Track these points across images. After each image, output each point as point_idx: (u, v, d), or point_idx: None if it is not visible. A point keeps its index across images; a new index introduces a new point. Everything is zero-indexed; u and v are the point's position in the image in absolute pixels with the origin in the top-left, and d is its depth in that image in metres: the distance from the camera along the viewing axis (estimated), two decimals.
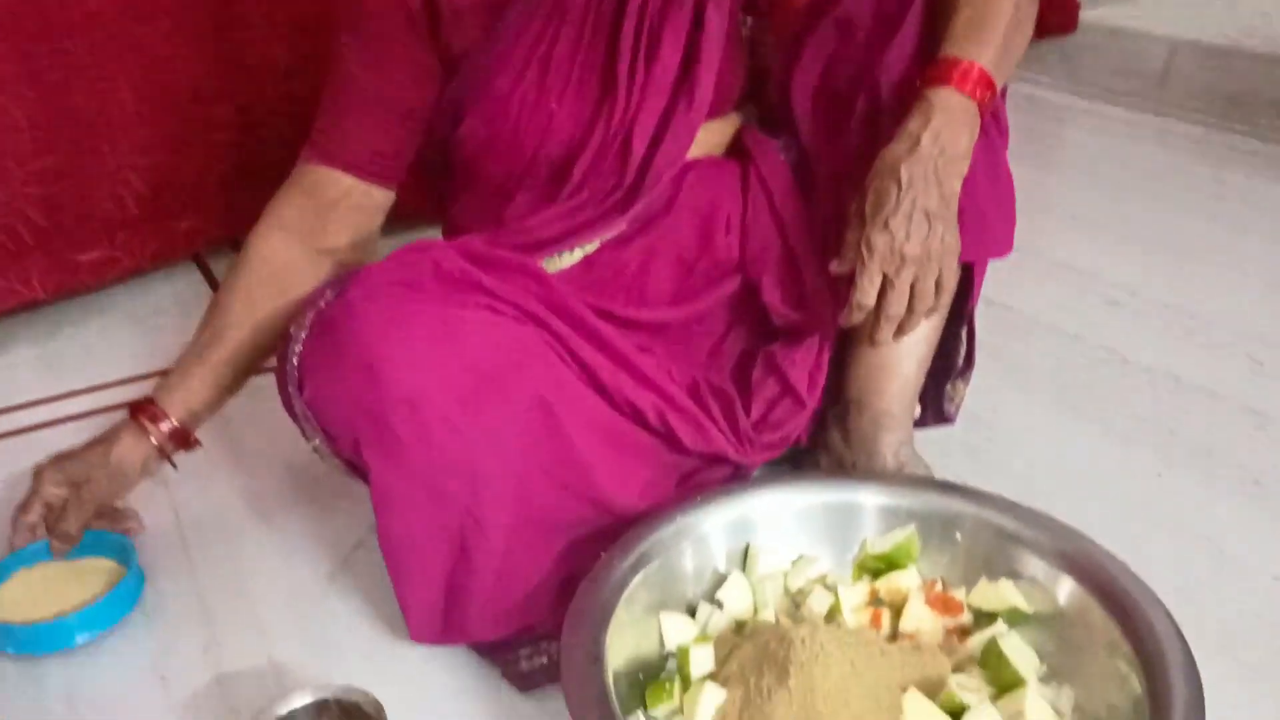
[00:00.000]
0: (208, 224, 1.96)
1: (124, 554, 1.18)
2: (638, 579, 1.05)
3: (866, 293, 1.05)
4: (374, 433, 0.99)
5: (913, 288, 1.05)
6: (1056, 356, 1.68)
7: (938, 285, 1.04)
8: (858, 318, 1.08)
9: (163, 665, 1.12)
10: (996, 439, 1.45)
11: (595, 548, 1.07)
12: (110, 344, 1.81)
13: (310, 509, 1.34)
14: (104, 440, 1.17)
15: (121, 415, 1.19)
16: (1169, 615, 0.96)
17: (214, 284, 1.94)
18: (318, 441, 1.08)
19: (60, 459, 1.17)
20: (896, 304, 1.06)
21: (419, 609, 1.04)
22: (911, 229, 1.00)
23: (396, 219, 1.28)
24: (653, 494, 1.15)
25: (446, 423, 0.98)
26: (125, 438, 1.16)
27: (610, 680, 0.92)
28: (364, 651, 1.12)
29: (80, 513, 1.13)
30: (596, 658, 0.94)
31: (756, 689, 0.94)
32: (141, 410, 1.17)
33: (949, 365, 1.25)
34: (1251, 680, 1.08)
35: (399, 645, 1.10)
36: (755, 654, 0.98)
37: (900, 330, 1.09)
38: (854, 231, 1.04)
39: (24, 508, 1.16)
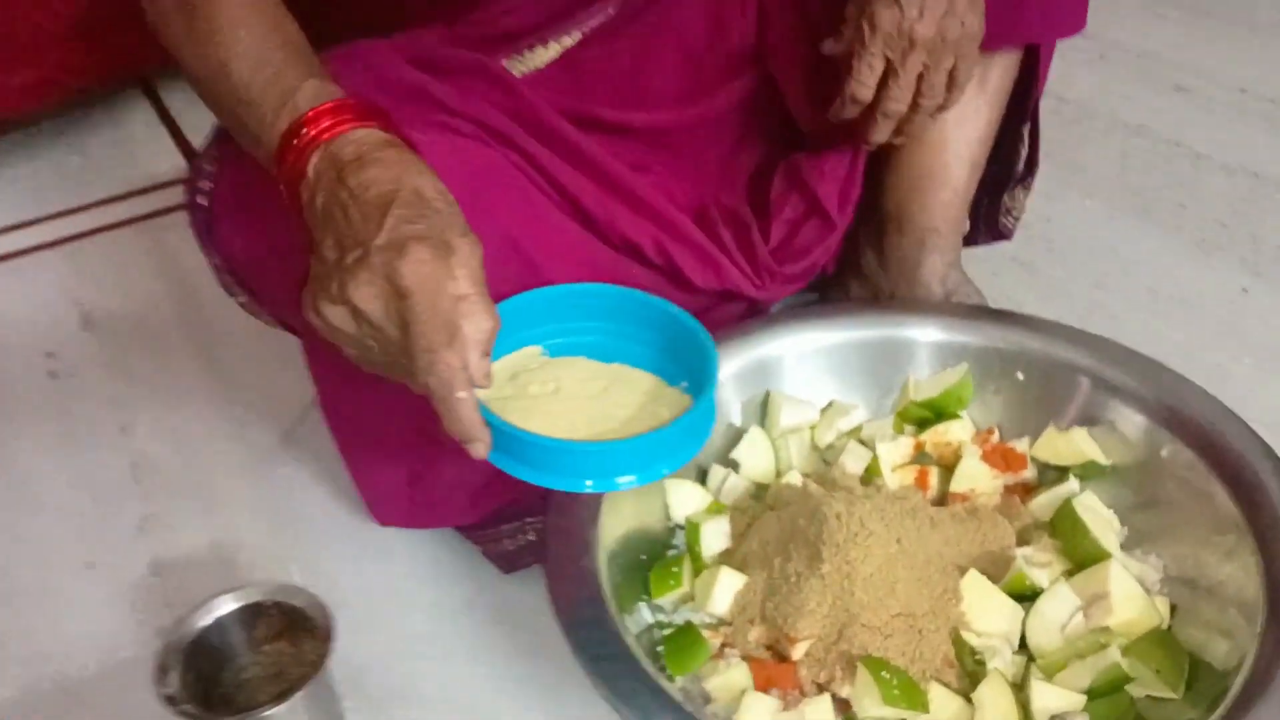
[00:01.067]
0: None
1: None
2: None
3: (864, 81, 0.86)
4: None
5: (920, 79, 0.85)
6: (1118, 153, 1.47)
7: (950, 78, 0.86)
8: (850, 112, 0.89)
9: (91, 547, 0.97)
10: (1055, 254, 1.26)
11: None
12: (40, 184, 1.59)
13: (265, 364, 1.15)
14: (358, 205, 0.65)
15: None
16: None
17: (167, 117, 1.68)
18: (243, 299, 0.89)
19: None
20: (898, 98, 0.86)
21: (378, 491, 0.89)
22: (926, 5, 0.81)
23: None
24: None
25: None
26: (373, 167, 0.64)
27: (603, 569, 0.76)
28: (321, 528, 0.97)
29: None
30: (586, 543, 0.77)
31: (782, 574, 0.78)
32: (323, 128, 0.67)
33: (1007, 171, 1.05)
34: None
35: (362, 520, 0.94)
36: (780, 530, 0.81)
37: (899, 131, 0.90)
38: (855, 3, 0.84)
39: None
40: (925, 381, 0.94)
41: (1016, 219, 1.10)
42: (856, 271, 1.09)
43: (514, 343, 0.75)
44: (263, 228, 0.81)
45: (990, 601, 0.77)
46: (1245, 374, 1.07)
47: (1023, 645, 0.78)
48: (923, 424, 0.93)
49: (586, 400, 0.72)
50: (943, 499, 0.89)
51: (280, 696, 0.70)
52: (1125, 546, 0.84)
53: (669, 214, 0.96)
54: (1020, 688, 0.75)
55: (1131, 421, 0.87)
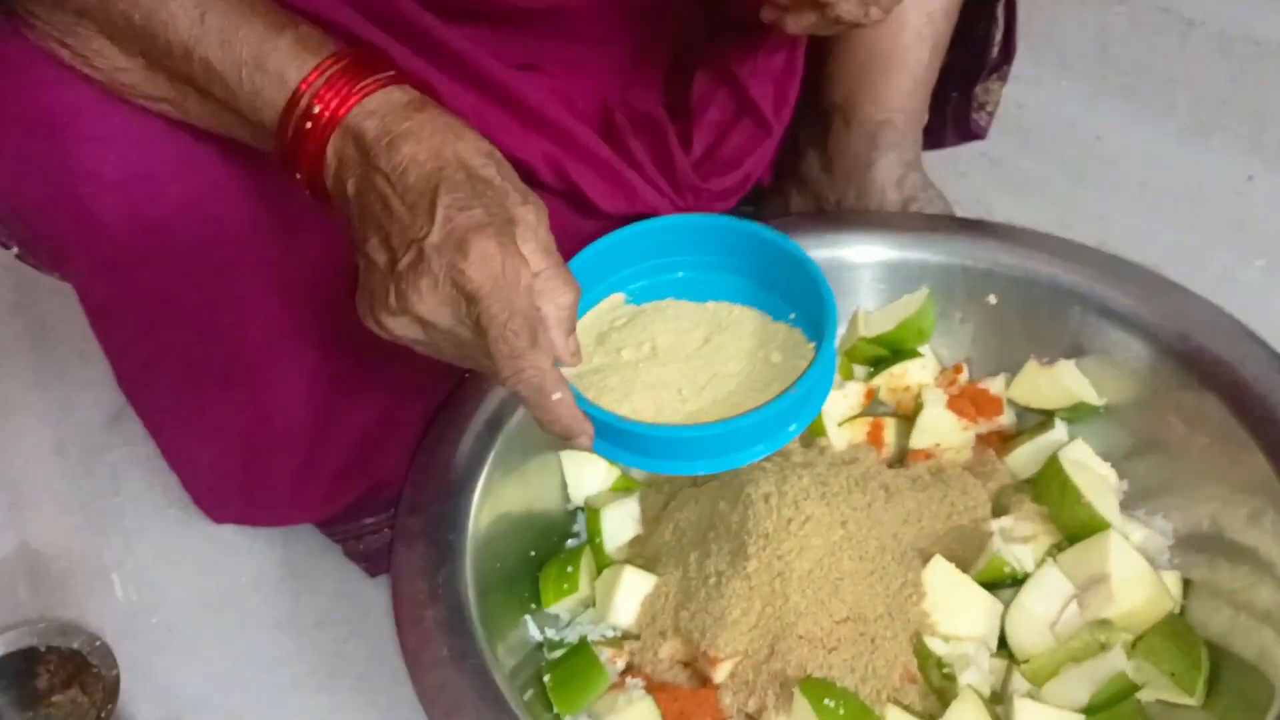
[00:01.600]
0: None
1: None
2: None
3: None
4: (69, 229, 0.62)
5: None
6: (1097, 24, 1.29)
7: None
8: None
9: None
10: (1030, 146, 1.10)
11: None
12: None
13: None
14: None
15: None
16: None
17: None
18: (16, 250, 0.71)
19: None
20: None
21: (205, 480, 0.72)
22: None
23: None
24: None
25: (183, 213, 0.63)
26: (406, 144, 0.55)
27: (470, 581, 0.60)
28: (150, 526, 0.83)
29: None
30: (448, 549, 0.61)
31: (700, 573, 0.62)
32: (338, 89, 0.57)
33: (979, 58, 0.89)
34: None
35: (200, 515, 0.78)
36: (700, 516, 0.65)
37: (831, 22, 0.68)
38: None
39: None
40: (877, 313, 0.78)
41: (991, 115, 0.94)
42: (797, 178, 0.94)
43: (594, 296, 0.65)
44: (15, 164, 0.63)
45: (961, 596, 0.62)
46: (1256, 279, 0.92)
47: (1003, 643, 0.62)
48: (877, 364, 0.77)
49: (689, 359, 0.61)
50: (902, 456, 0.74)
51: None
52: (1126, 505, 0.69)
53: (564, 123, 0.78)
54: (1001, 700, 0.60)
55: (1129, 351, 0.72)
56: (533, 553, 0.69)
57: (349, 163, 0.55)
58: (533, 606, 0.66)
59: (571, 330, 0.54)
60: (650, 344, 0.62)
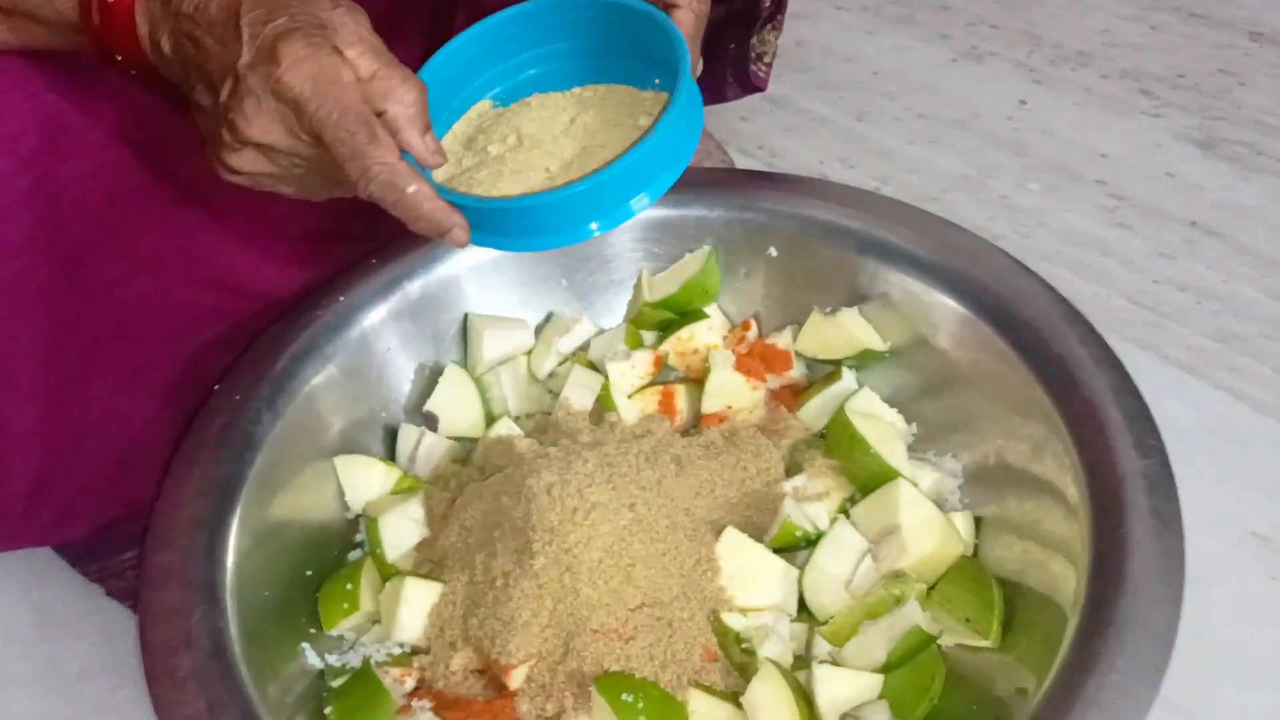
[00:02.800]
0: None
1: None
2: (295, 403, 0.65)
3: None
4: None
5: None
6: None
7: None
8: None
9: None
10: (811, 84, 1.07)
11: (225, 358, 0.66)
12: None
13: None
14: None
15: None
16: (1097, 338, 0.63)
17: None
18: None
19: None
20: None
21: None
22: None
23: None
24: (319, 254, 0.73)
25: None
26: None
27: (231, 615, 0.55)
28: None
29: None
30: (207, 585, 0.56)
31: (486, 575, 0.59)
32: None
33: (752, 8, 0.84)
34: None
35: None
36: (483, 514, 0.62)
37: None
38: None
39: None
40: (660, 276, 0.75)
41: (769, 66, 0.90)
42: None
43: (456, 106, 0.61)
44: None
45: (755, 565, 0.60)
46: (1034, 202, 0.92)
47: (803, 606, 0.61)
48: (667, 329, 0.74)
49: (555, 140, 0.58)
50: (696, 422, 0.71)
51: None
52: (915, 448, 0.69)
53: None
54: (804, 663, 0.59)
55: (907, 292, 0.70)
56: (309, 572, 0.63)
57: (157, 20, 0.51)
58: (312, 631, 0.61)
59: (426, 128, 0.51)
60: (515, 134, 0.59)
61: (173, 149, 0.64)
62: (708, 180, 0.78)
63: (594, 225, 0.55)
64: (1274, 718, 0.66)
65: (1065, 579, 0.57)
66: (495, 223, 0.54)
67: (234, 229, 0.68)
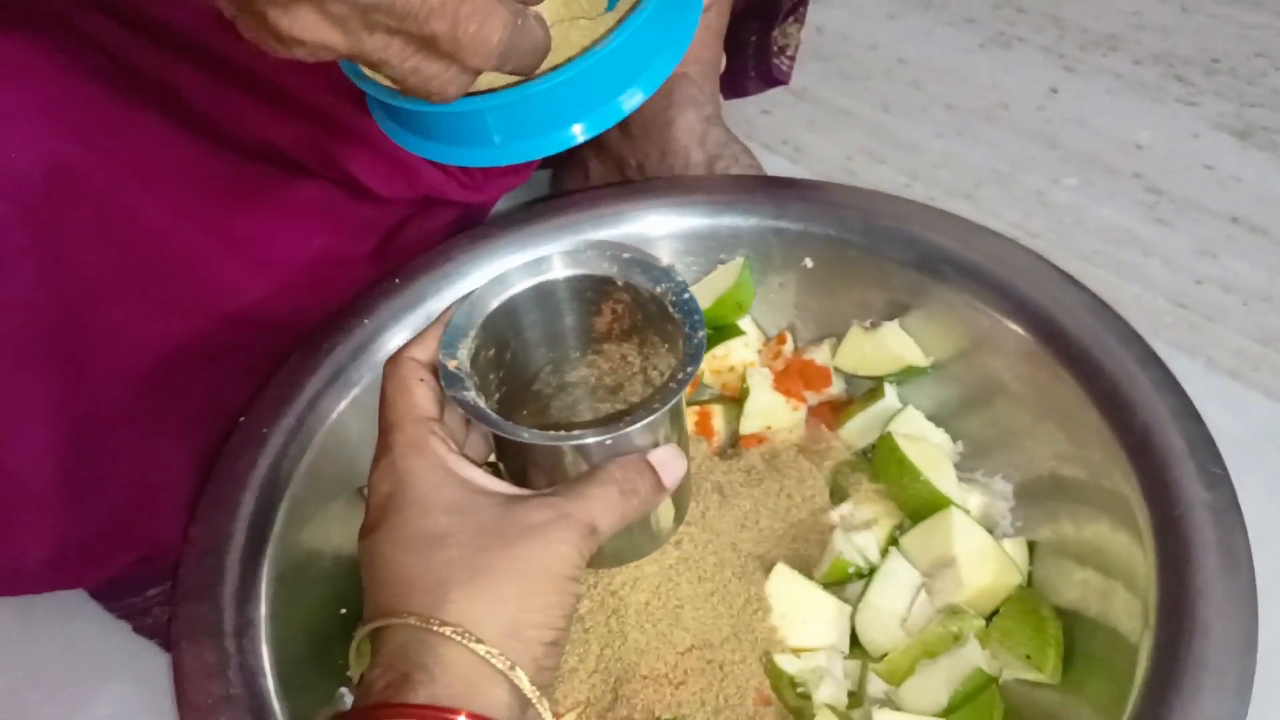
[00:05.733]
0: None
1: None
2: (322, 433, 0.63)
3: None
4: None
5: None
6: None
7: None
8: None
9: None
10: (834, 74, 1.03)
11: (243, 389, 0.64)
12: None
13: None
14: None
15: None
16: (1155, 358, 0.60)
17: None
18: None
19: None
20: None
21: None
22: None
23: None
24: (332, 278, 0.70)
25: None
26: None
27: (267, 671, 0.53)
28: None
29: None
30: (241, 637, 0.53)
31: None
32: None
33: (772, 1, 0.81)
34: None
35: None
36: None
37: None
38: None
39: None
40: (693, 289, 0.72)
41: (792, 59, 0.87)
42: (594, 143, 0.85)
43: None
44: None
45: (807, 604, 0.57)
46: (1069, 198, 0.89)
47: (856, 641, 0.59)
48: None
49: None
50: (734, 441, 0.69)
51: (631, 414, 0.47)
52: (962, 467, 0.66)
53: (321, 99, 0.68)
54: (858, 700, 0.57)
55: (949, 304, 0.67)
56: (343, 610, 0.61)
57: None
58: (349, 675, 0.59)
59: None
60: None
61: (180, 186, 0.61)
62: (739, 188, 0.75)
63: (577, 129, 0.46)
64: None
65: (1130, 611, 0.55)
66: (464, 128, 0.45)
67: (245, 258, 0.66)
